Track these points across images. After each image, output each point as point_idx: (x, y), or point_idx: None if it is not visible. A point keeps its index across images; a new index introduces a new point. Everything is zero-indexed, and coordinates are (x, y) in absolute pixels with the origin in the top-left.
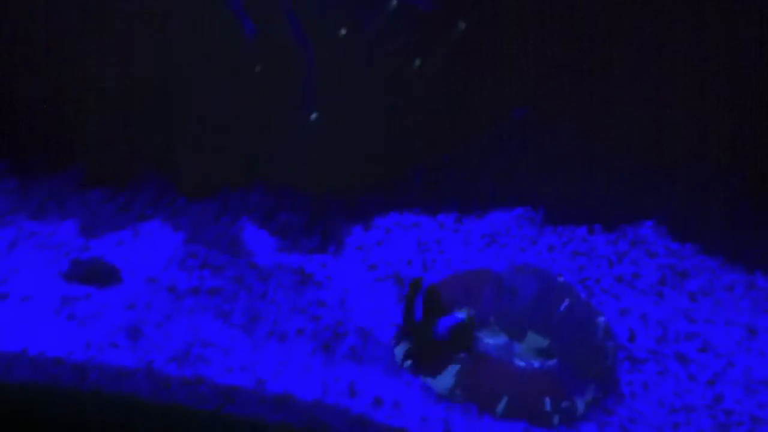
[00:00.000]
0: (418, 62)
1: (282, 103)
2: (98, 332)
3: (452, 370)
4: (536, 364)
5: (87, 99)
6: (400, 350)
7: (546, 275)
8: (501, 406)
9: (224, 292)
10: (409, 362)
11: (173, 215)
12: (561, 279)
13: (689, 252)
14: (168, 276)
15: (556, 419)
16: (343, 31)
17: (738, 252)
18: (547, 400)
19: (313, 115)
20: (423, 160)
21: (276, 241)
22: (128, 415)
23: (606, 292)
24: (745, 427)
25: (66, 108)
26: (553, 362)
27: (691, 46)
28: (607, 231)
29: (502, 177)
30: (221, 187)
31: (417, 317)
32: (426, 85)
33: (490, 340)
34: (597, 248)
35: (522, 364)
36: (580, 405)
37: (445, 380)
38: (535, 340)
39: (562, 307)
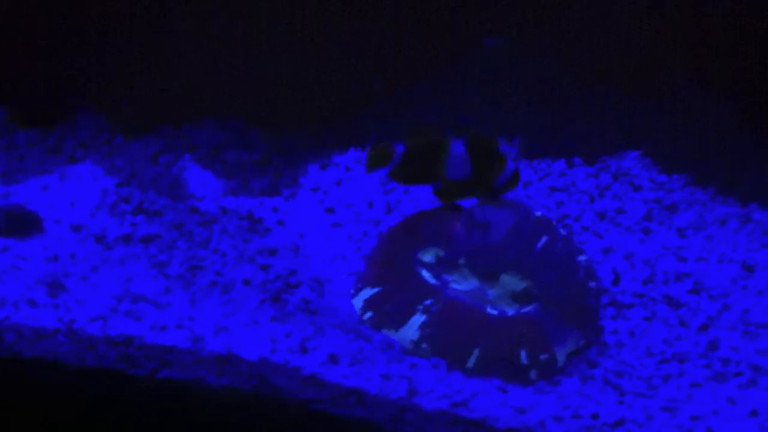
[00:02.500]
0: None
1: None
2: (14, 288)
3: (417, 320)
4: (511, 310)
5: (8, 30)
6: (359, 300)
7: (522, 209)
8: (472, 361)
9: (160, 240)
10: (369, 314)
11: (108, 156)
12: (538, 214)
13: (677, 184)
14: (97, 223)
15: (533, 374)
16: None
17: (731, 182)
18: (524, 352)
19: None
20: (388, 92)
21: (222, 183)
22: (51, 381)
23: (587, 230)
24: (745, 378)
25: None
26: (530, 308)
27: None
28: (588, 164)
29: (474, 107)
30: (164, 122)
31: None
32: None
33: (460, 284)
34: (577, 182)
35: (495, 311)
36: (561, 357)
37: (409, 333)
38: (510, 282)
39: (540, 245)
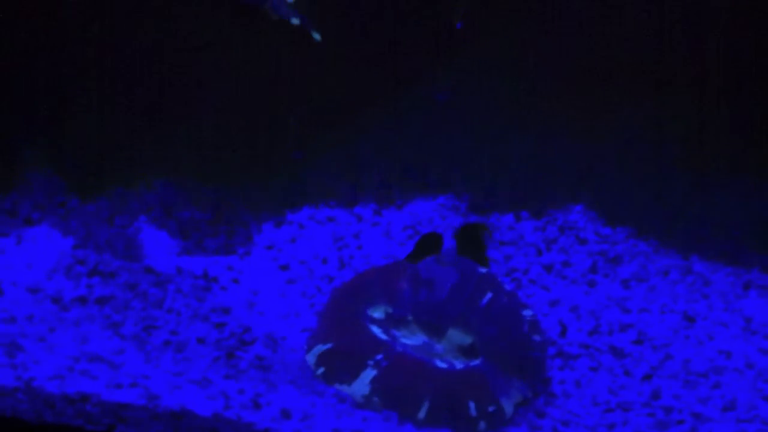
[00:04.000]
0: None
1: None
2: None
3: (368, 375)
4: (459, 364)
5: None
6: (312, 356)
7: (466, 266)
8: (423, 413)
9: (115, 301)
10: (322, 369)
11: (64, 218)
12: (483, 270)
13: (621, 236)
14: (53, 285)
15: (482, 425)
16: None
17: (673, 235)
18: (472, 404)
19: None
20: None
21: (177, 243)
22: None
23: (534, 283)
24: (687, 426)
25: None
26: (476, 362)
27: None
28: (535, 217)
29: (424, 164)
30: (117, 184)
31: None
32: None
33: (409, 339)
34: (525, 236)
35: (443, 365)
36: (508, 408)
37: (360, 387)
38: (456, 337)
39: (485, 301)
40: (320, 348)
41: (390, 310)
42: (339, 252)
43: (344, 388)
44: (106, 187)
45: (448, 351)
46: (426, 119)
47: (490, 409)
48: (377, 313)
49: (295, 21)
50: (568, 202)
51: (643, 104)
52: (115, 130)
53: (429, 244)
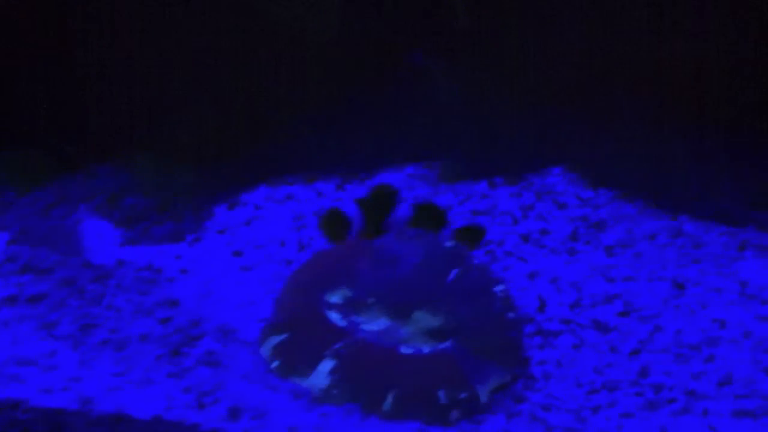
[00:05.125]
0: None
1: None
2: None
3: (326, 366)
4: (426, 349)
5: None
6: (267, 349)
7: (431, 240)
8: (388, 404)
9: (49, 299)
10: (277, 362)
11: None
12: (449, 244)
13: (604, 199)
14: None
15: (454, 414)
16: None
17: (660, 194)
18: (442, 392)
19: None
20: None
21: (120, 233)
22: None
23: (511, 254)
24: (679, 405)
25: None
26: (445, 345)
27: None
28: (510, 183)
29: (390, 131)
30: (56, 173)
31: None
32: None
33: (371, 325)
34: (499, 204)
35: (409, 350)
36: (483, 394)
37: (318, 379)
38: (423, 319)
39: (451, 277)
40: (274, 339)
41: (349, 294)
42: (298, 233)
43: (301, 382)
44: (43, 177)
45: (415, 335)
46: (392, 86)
47: (462, 396)
48: (335, 298)
49: None
50: (545, 165)
51: (625, 62)
52: (51, 117)
53: (380, 199)
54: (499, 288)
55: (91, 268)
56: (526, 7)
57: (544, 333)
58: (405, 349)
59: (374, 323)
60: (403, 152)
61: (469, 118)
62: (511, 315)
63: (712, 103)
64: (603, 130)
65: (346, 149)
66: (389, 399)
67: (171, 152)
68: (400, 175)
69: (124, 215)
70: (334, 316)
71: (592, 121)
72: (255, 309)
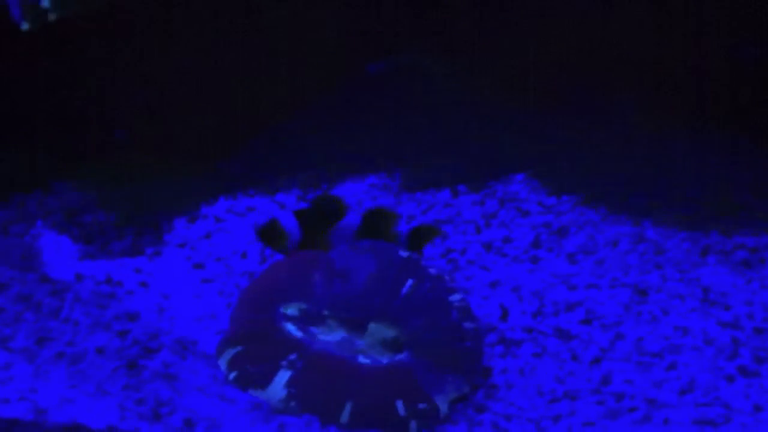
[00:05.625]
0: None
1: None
2: None
3: (283, 377)
4: (383, 359)
5: None
6: (224, 361)
7: (385, 251)
8: (346, 415)
9: (5, 315)
10: (234, 374)
11: None
12: (404, 254)
13: (567, 206)
14: None
15: (413, 425)
16: None
17: (623, 200)
18: (400, 403)
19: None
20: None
21: (79, 248)
22: None
23: (473, 263)
24: (640, 413)
25: None
26: (402, 356)
27: None
28: (473, 191)
29: (352, 141)
30: (14, 191)
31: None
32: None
33: (327, 336)
34: (462, 212)
35: (366, 361)
36: (442, 404)
37: (275, 391)
38: (379, 331)
39: (405, 289)
40: (231, 352)
41: (304, 306)
42: (260, 245)
43: (259, 393)
44: (0, 193)
45: (372, 346)
46: (355, 95)
47: (421, 406)
48: (291, 310)
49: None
50: (508, 172)
51: (591, 66)
52: (11, 134)
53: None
54: (456, 297)
55: (48, 282)
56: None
57: (507, 342)
58: (362, 360)
59: (331, 335)
60: (365, 162)
61: (431, 126)
62: (468, 324)
63: (677, 107)
64: (566, 137)
65: (305, 160)
66: (347, 410)
67: (131, 167)
68: (362, 185)
69: (83, 231)
70: (291, 328)
71: (556, 127)
72: (214, 322)
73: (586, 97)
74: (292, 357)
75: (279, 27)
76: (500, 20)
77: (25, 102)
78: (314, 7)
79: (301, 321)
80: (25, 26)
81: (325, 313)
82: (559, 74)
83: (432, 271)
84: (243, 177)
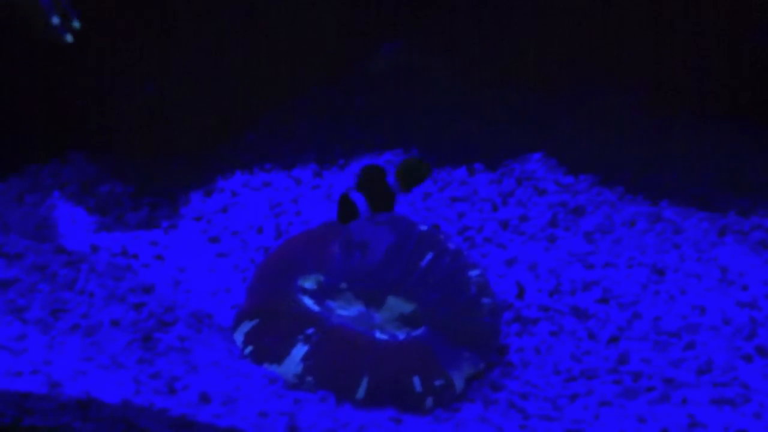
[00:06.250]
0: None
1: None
2: None
3: (299, 351)
4: (400, 335)
5: None
6: (240, 334)
7: (403, 224)
8: (362, 391)
9: (20, 285)
10: (250, 348)
11: None
12: (423, 228)
13: (584, 185)
14: None
15: (429, 401)
16: None
17: (639, 180)
18: (417, 379)
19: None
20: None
21: (95, 219)
22: None
23: (490, 241)
24: (657, 392)
25: None
26: (420, 331)
27: None
28: (490, 169)
29: (367, 118)
30: (28, 160)
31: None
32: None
33: (344, 310)
34: (479, 190)
35: (383, 336)
36: (459, 381)
37: (291, 365)
38: (397, 305)
39: (424, 263)
40: (247, 325)
41: (322, 279)
42: (276, 219)
43: (274, 368)
44: (17, 163)
45: (389, 321)
46: (372, 72)
47: (438, 383)
48: (308, 284)
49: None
50: (526, 151)
51: (605, 49)
52: (26, 102)
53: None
54: (475, 273)
55: (64, 253)
56: None
57: (523, 320)
58: (379, 335)
59: (348, 309)
60: (381, 139)
61: (449, 105)
62: (486, 300)
63: (694, 90)
64: (583, 116)
65: (323, 136)
66: (363, 386)
67: (146, 141)
68: (378, 161)
69: (99, 202)
70: (308, 301)
71: (573, 107)
72: (230, 295)
73: (593, 86)
74: (309, 331)
75: (279, 26)
76: (501, 16)
77: (47, 76)
78: (314, 6)
79: (318, 295)
80: (69, 39)
81: (343, 285)
82: (561, 65)
83: (450, 245)
84: (259, 152)
